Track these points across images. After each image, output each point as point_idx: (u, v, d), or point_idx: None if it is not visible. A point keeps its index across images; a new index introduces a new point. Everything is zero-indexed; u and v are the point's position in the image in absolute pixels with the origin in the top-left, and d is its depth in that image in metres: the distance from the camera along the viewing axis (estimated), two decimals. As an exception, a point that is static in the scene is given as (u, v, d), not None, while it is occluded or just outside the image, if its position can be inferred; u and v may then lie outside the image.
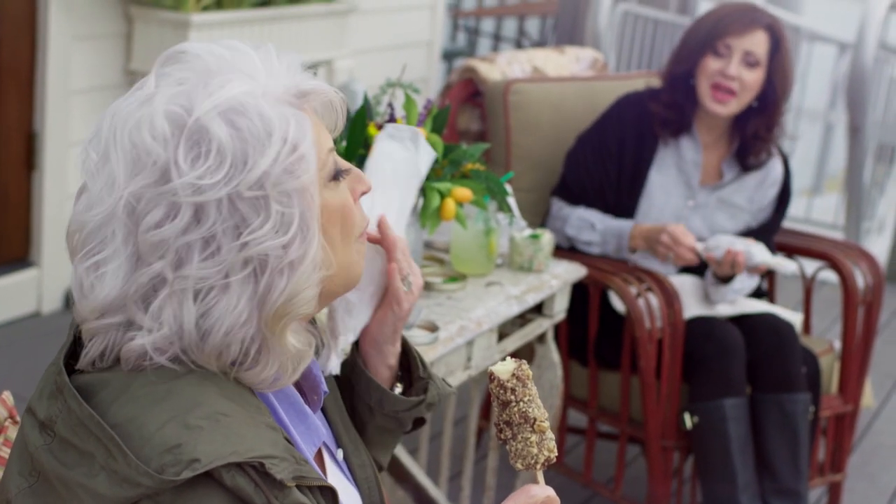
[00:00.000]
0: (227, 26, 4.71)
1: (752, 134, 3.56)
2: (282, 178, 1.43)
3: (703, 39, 3.50)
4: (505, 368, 1.62)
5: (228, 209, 1.41)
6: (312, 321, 1.70)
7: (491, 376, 1.63)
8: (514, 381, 1.62)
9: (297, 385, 1.66)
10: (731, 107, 3.50)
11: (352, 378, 1.81)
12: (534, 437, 1.62)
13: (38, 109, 4.63)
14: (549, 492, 1.58)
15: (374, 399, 1.80)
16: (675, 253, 3.39)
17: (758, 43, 3.46)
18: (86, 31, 4.66)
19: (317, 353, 1.73)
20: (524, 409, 1.61)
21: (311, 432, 1.61)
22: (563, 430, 3.79)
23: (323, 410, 1.73)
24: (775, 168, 3.67)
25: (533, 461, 1.62)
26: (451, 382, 2.73)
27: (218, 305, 1.42)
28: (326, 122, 1.55)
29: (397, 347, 1.82)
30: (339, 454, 1.71)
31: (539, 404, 1.63)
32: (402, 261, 1.77)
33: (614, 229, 3.52)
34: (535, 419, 1.61)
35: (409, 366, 1.85)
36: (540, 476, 1.62)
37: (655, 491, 3.49)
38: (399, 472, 3.32)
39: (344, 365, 1.84)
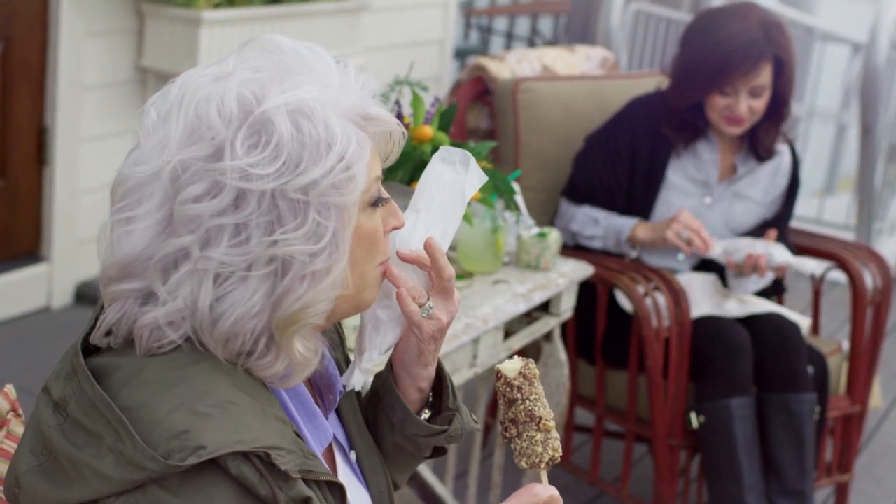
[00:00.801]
0: (238, 23, 4.72)
1: (764, 132, 3.58)
2: (328, 191, 1.44)
3: (709, 79, 3.45)
4: (512, 367, 1.63)
5: (269, 204, 1.43)
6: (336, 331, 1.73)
7: (498, 374, 1.64)
8: (521, 379, 1.63)
9: (313, 383, 1.67)
10: (744, 128, 3.53)
11: (381, 390, 1.80)
12: (539, 436, 1.62)
13: (50, 105, 4.65)
14: (553, 491, 1.59)
15: (398, 417, 1.77)
16: (691, 229, 3.40)
17: (763, 76, 3.43)
18: (97, 28, 4.67)
19: (339, 364, 1.74)
20: (530, 408, 1.62)
21: (320, 432, 1.62)
22: (570, 428, 3.79)
23: (338, 412, 1.74)
24: (784, 159, 3.69)
25: (537, 460, 1.62)
26: (456, 380, 2.74)
27: (234, 293, 1.44)
28: (381, 150, 1.56)
29: (429, 372, 1.75)
30: (353, 455, 1.72)
31: (545, 403, 1.64)
32: (417, 289, 1.69)
33: (617, 224, 3.52)
34: (540, 418, 1.62)
35: (442, 393, 1.80)
36: (544, 475, 1.63)
37: (662, 490, 3.49)
38: (427, 493, 3.33)
39: (378, 377, 1.82)
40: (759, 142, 3.60)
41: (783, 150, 3.68)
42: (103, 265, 1.49)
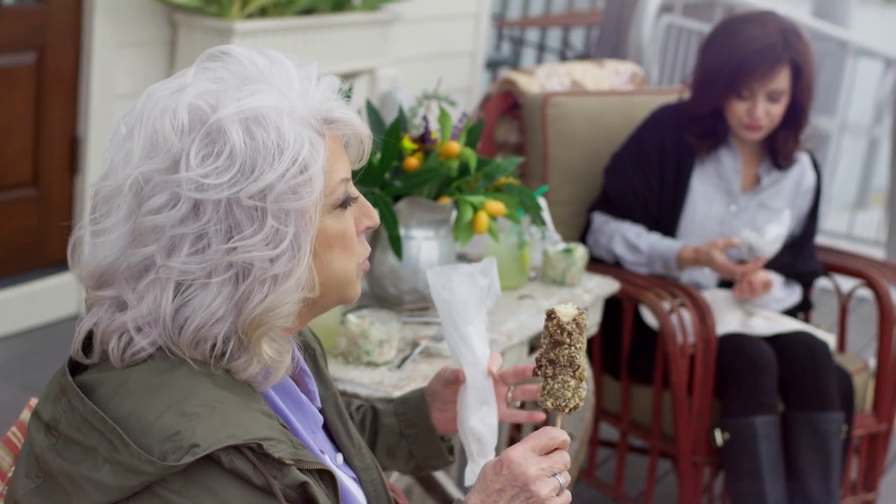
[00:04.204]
0: (271, 34, 4.75)
1: (783, 141, 3.59)
2: (284, 196, 1.47)
3: (726, 85, 3.47)
4: (567, 311, 1.69)
5: (225, 212, 1.46)
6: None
7: (551, 314, 1.69)
8: (573, 325, 1.68)
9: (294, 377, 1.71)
10: (762, 133, 3.54)
11: (406, 429, 2.02)
12: (572, 382, 1.68)
13: (83, 114, 4.69)
14: (567, 437, 1.63)
15: (426, 454, 2.04)
16: (749, 280, 3.43)
17: (781, 80, 3.45)
18: (130, 38, 4.71)
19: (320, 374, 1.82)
20: (573, 354, 1.68)
21: (309, 419, 1.67)
22: (595, 443, 3.80)
23: (322, 414, 1.76)
24: (808, 175, 3.69)
25: (563, 404, 1.68)
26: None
27: (195, 300, 1.47)
28: (351, 153, 1.58)
29: None
30: (339, 458, 1.75)
31: (584, 355, 1.70)
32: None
33: (660, 253, 3.53)
34: (579, 366, 1.68)
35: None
36: (559, 421, 1.68)
37: (685, 506, 3.49)
38: (429, 483, 3.33)
39: (395, 414, 2.05)
40: (778, 150, 3.61)
41: (803, 159, 3.68)
42: (80, 275, 1.54)
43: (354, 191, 1.59)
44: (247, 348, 1.51)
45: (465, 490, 1.83)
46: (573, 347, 1.68)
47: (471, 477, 1.93)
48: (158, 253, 1.46)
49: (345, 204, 1.56)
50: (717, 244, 3.42)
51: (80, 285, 1.54)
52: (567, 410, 1.67)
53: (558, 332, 1.68)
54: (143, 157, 1.47)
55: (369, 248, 1.65)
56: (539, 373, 1.70)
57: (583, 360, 1.68)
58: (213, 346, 1.49)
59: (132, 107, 1.53)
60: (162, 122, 1.47)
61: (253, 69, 1.52)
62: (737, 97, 3.48)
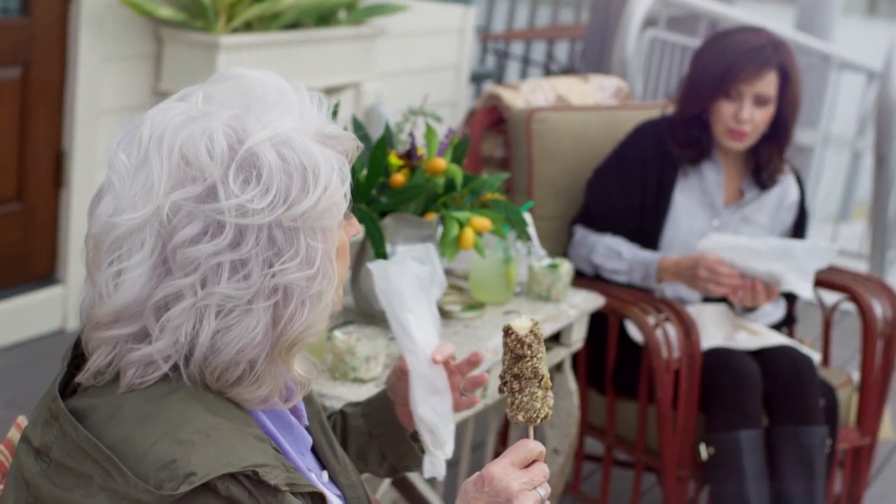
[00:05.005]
0: (256, 48, 4.76)
1: (767, 158, 3.61)
2: (318, 217, 1.48)
3: (715, 84, 3.51)
4: (523, 324, 1.70)
5: (267, 237, 1.46)
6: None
7: (508, 330, 1.70)
8: (532, 337, 1.69)
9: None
10: (746, 143, 3.56)
11: (374, 429, 2.00)
12: (539, 392, 1.69)
13: (68, 128, 4.69)
14: (542, 448, 1.64)
15: (399, 454, 1.98)
16: (715, 282, 3.40)
17: (768, 84, 3.48)
18: (116, 52, 4.71)
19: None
20: (536, 365, 1.68)
21: (299, 441, 1.68)
22: (581, 457, 3.81)
23: (308, 432, 1.77)
24: (791, 190, 3.71)
25: (535, 415, 1.69)
26: (467, 411, 2.78)
27: (237, 326, 1.46)
28: None
29: None
30: (325, 476, 1.76)
31: (546, 364, 1.70)
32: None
33: (641, 260, 3.54)
34: (543, 376, 1.68)
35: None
36: (531, 432, 1.69)
37: (671, 520, 3.50)
38: (416, 499, 3.34)
39: (363, 416, 2.03)
40: (762, 167, 3.63)
41: (789, 181, 3.70)
42: (91, 314, 1.50)
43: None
44: (270, 371, 1.51)
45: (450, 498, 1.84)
46: (535, 358, 1.68)
47: (429, 469, 1.93)
48: (195, 283, 1.44)
49: (346, 216, 1.58)
50: (706, 261, 3.42)
51: (76, 289, 1.53)
52: (539, 421, 1.68)
53: (518, 346, 1.69)
54: (172, 185, 1.44)
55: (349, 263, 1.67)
56: (505, 389, 1.70)
57: (545, 368, 1.69)
58: (243, 370, 1.49)
59: (131, 131, 1.50)
60: (195, 148, 1.45)
61: (262, 91, 1.52)
62: (724, 97, 3.50)
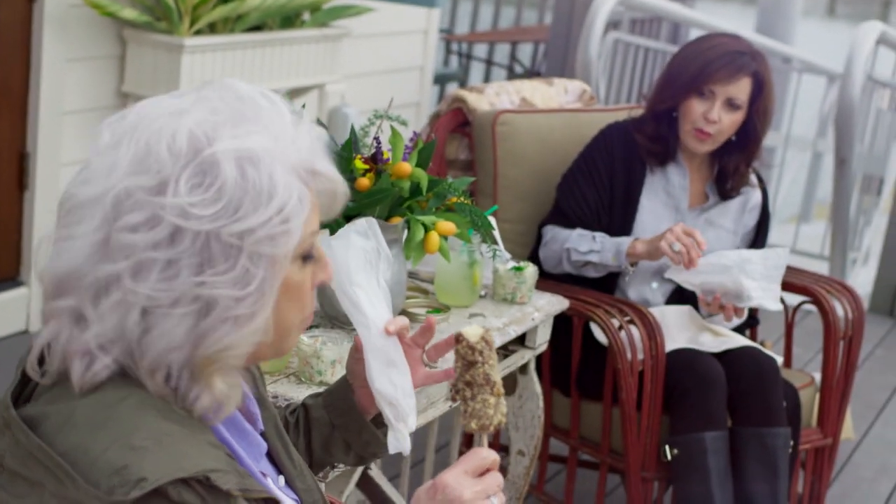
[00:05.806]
0: (220, 50, 4.75)
1: (733, 168, 3.64)
2: (262, 241, 1.47)
3: (689, 82, 3.54)
4: (474, 332, 1.71)
5: (202, 244, 1.45)
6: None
7: (459, 338, 1.71)
8: (483, 343, 1.71)
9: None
10: (708, 146, 3.58)
11: (336, 419, 2.00)
12: (492, 400, 1.70)
13: (31, 130, 4.66)
14: (496, 456, 1.64)
15: (363, 440, 1.99)
16: (683, 241, 3.41)
17: (742, 89, 3.51)
18: (79, 53, 4.69)
19: (261, 401, 1.81)
20: (488, 372, 1.70)
21: (254, 448, 1.68)
22: (545, 458, 3.82)
23: (263, 437, 1.77)
24: (755, 194, 3.74)
25: (488, 422, 1.70)
26: (433, 413, 2.79)
27: (158, 327, 1.46)
28: (324, 205, 1.58)
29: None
30: (281, 480, 1.76)
31: (498, 371, 1.72)
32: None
33: (613, 241, 3.55)
34: (495, 383, 1.70)
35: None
36: (485, 440, 1.70)
37: (635, 521, 3.52)
38: (379, 499, 3.34)
39: (326, 407, 2.03)
40: (727, 176, 3.65)
41: (754, 188, 3.74)
42: (41, 278, 1.51)
43: (319, 249, 1.59)
44: (197, 381, 1.50)
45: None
46: (486, 365, 1.69)
47: (393, 444, 1.89)
48: (126, 272, 1.44)
49: (307, 258, 1.56)
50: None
51: (40, 292, 1.53)
52: (492, 428, 1.69)
53: (470, 352, 1.70)
54: (130, 171, 1.45)
55: (315, 304, 1.65)
56: (458, 397, 1.71)
57: (497, 375, 1.70)
58: (168, 375, 1.49)
59: (121, 115, 1.52)
60: (158, 141, 1.46)
61: (252, 108, 1.51)
62: (697, 95, 3.53)
